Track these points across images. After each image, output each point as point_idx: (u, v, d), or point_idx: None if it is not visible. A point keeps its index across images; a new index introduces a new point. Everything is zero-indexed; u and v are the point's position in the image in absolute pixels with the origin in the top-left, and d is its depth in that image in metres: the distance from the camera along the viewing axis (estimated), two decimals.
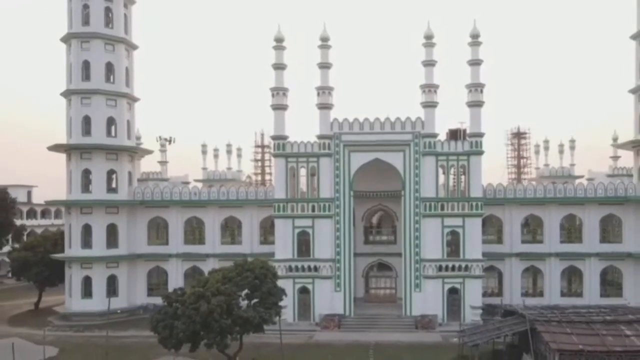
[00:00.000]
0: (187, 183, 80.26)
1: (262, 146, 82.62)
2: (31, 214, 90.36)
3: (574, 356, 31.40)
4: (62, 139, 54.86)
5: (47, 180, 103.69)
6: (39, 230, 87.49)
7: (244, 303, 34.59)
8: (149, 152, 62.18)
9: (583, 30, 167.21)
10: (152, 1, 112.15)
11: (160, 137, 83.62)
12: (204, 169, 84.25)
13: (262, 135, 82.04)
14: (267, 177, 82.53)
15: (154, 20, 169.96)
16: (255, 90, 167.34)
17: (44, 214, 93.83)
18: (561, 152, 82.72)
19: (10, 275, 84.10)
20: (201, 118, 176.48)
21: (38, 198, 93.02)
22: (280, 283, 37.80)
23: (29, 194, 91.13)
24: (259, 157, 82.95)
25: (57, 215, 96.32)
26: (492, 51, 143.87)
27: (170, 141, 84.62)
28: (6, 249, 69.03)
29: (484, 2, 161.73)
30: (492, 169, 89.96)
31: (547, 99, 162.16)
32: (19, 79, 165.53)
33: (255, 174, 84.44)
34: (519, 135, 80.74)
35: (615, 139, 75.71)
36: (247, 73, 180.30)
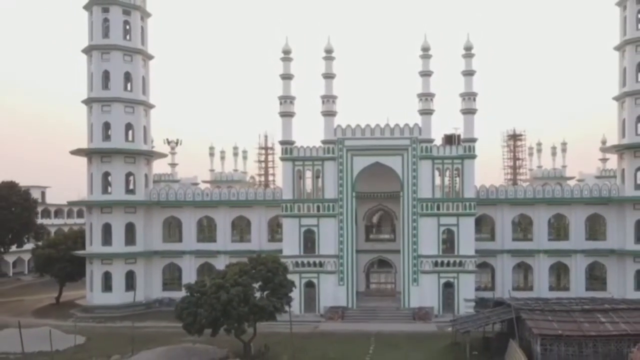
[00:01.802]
0: (196, 184, 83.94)
1: (266, 148, 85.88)
2: (45, 213, 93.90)
3: (553, 340, 35.09)
4: (72, 139, 58.37)
5: (53, 180, 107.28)
6: (52, 229, 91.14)
7: (258, 293, 38.28)
8: (164, 155, 65.75)
9: (575, 36, 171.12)
10: (164, 13, 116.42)
11: (167, 139, 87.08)
12: (212, 170, 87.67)
13: (266, 137, 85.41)
14: (271, 177, 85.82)
15: (164, 29, 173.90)
16: (259, 94, 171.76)
17: (57, 213, 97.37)
18: (554, 154, 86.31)
19: (26, 272, 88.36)
20: (206, 120, 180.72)
21: (49, 198, 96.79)
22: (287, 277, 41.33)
23: (43, 194, 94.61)
24: (262, 158, 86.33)
25: (70, 215, 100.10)
26: (491, 53, 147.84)
27: (177, 143, 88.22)
28: (26, 247, 72.64)
29: (480, 9, 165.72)
30: (489, 166, 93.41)
31: (543, 102, 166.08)
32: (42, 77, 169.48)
33: (259, 175, 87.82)
34: (514, 137, 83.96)
35: (604, 142, 79.20)
36: (251, 77, 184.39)
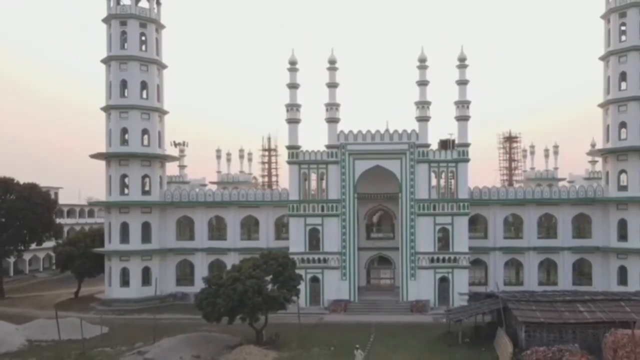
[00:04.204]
0: (205, 185, 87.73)
1: (269, 150, 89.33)
2: (58, 213, 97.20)
3: (536, 327, 38.86)
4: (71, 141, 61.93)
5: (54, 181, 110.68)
6: (65, 229, 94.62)
7: (269, 286, 41.99)
8: (176, 158, 69.55)
9: (575, 40, 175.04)
10: (175, 23, 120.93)
11: (174, 141, 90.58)
12: (219, 172, 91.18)
13: (269, 139, 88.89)
14: (274, 178, 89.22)
15: (173, 37, 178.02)
16: (262, 97, 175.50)
17: (69, 213, 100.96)
18: (546, 156, 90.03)
19: (41, 269, 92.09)
20: (210, 122, 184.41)
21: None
22: None
23: (56, 194, 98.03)
24: (266, 160, 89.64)
25: (81, 214, 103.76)
26: (491, 54, 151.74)
27: (184, 145, 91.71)
28: (46, 245, 76.29)
29: (481, 11, 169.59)
30: (487, 167, 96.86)
31: (539, 104, 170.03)
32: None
33: (262, 176, 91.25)
34: (510, 139, 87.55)
35: (593, 145, 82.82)
36: (253, 80, 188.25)
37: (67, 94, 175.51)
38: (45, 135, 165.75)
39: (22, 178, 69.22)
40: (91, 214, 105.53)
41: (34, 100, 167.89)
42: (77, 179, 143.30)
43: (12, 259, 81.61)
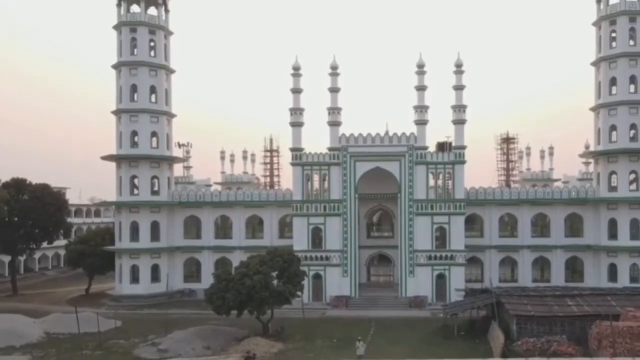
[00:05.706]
0: (209, 186, 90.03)
1: (271, 150, 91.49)
2: (66, 213, 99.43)
3: (527, 319, 41.24)
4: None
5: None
6: (72, 228, 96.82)
7: (275, 281, 44.37)
8: (183, 160, 71.87)
9: (578, 42, 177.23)
10: (181, 26, 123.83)
11: (179, 142, 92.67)
12: (223, 172, 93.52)
13: (271, 140, 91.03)
14: (275, 179, 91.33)
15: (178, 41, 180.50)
16: (265, 97, 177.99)
17: (77, 213, 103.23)
18: (542, 157, 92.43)
19: (50, 267, 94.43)
20: (208, 120, 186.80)
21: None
22: None
23: (64, 194, 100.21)
24: (268, 160, 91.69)
25: (87, 214, 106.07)
26: (490, 54, 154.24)
27: (188, 145, 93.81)
28: (55, 243, 78.63)
29: (475, 18, 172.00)
30: (485, 167, 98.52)
31: (537, 105, 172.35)
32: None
33: (264, 176, 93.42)
34: (507, 140, 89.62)
35: (587, 147, 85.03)
36: (256, 80, 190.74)
37: (76, 92, 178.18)
38: (46, 134, 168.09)
39: (20, 175, 71.15)
40: (97, 213, 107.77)
41: (34, 97, 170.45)
42: (77, 178, 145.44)
43: (23, 257, 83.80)
